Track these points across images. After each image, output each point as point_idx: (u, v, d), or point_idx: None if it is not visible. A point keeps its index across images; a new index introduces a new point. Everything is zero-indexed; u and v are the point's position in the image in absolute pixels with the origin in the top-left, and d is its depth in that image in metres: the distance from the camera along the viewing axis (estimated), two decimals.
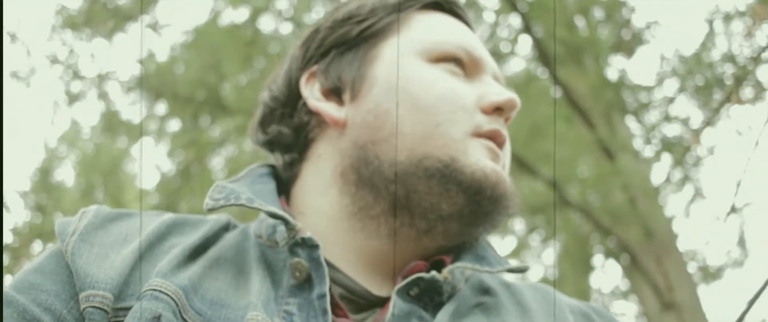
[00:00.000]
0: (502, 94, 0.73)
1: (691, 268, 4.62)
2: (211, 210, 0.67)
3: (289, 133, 0.77)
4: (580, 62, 3.92)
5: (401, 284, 0.67)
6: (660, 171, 4.27)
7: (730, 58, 3.13)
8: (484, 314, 0.71)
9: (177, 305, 0.60)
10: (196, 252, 0.68)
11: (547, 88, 4.12)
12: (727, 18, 3.15)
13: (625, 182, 3.75)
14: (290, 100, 0.78)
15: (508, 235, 5.62)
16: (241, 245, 0.71)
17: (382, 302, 0.69)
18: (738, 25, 3.09)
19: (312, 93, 0.76)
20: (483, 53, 0.77)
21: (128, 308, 0.60)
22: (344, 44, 0.77)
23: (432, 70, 0.73)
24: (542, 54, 3.73)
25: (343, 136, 0.73)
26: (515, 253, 5.73)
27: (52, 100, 4.55)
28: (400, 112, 0.70)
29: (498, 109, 0.73)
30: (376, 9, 0.77)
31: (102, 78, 4.31)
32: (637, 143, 4.21)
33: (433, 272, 0.68)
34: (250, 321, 0.60)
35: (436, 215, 0.70)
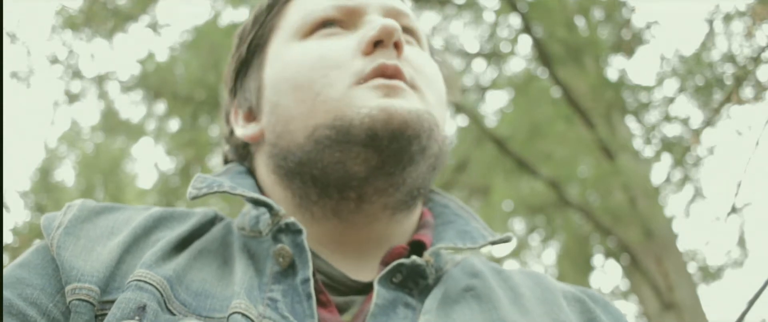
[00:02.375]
0: (375, 27, 0.69)
1: (691, 268, 4.62)
2: (194, 198, 0.67)
3: (235, 154, 0.81)
4: (580, 62, 3.91)
5: (382, 272, 0.66)
6: (660, 171, 4.27)
7: (730, 58, 3.13)
8: (475, 300, 0.70)
9: (162, 296, 0.60)
10: (182, 244, 0.68)
11: (547, 88, 4.12)
12: (727, 18, 3.14)
13: (625, 182, 3.74)
14: (230, 133, 0.82)
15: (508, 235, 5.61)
16: (225, 238, 0.71)
17: (365, 288, 0.68)
18: (738, 25, 3.09)
19: (237, 123, 0.79)
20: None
21: (114, 301, 0.60)
22: (242, 66, 0.80)
23: (304, 45, 0.73)
24: (542, 54, 3.73)
25: (265, 144, 0.75)
26: (515, 253, 5.73)
27: (52, 100, 4.55)
28: (286, 101, 0.70)
29: (379, 43, 0.70)
30: (257, 17, 0.79)
31: (102, 78, 4.31)
32: (637, 143, 4.21)
33: (414, 257, 0.67)
34: (234, 309, 0.60)
35: (355, 179, 0.68)
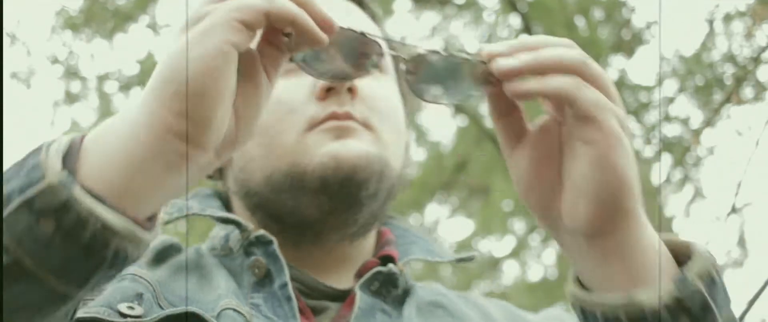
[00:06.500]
0: None
1: None
2: (167, 223, 0.69)
3: (216, 172, 0.80)
4: None
5: (363, 278, 0.69)
6: (660, 171, 4.26)
7: (730, 58, 3.13)
8: (447, 315, 0.73)
9: (154, 291, 0.63)
10: (158, 258, 0.70)
11: None
12: (727, 18, 3.14)
13: None
14: None
15: (508, 235, 5.62)
16: (198, 260, 0.73)
17: (338, 295, 0.71)
18: (738, 26, 3.09)
19: None
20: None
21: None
22: None
23: None
24: None
25: (233, 168, 0.76)
26: (515, 253, 5.73)
27: (52, 100, 4.54)
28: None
29: (331, 90, 0.70)
30: None
31: (102, 78, 4.31)
32: (637, 143, 4.21)
33: (390, 265, 0.71)
34: (224, 306, 0.63)
35: (310, 221, 0.71)
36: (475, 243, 5.60)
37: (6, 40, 4.05)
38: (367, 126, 0.70)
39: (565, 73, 0.53)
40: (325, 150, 0.68)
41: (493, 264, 5.77)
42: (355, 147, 0.68)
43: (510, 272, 6.14)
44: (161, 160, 0.49)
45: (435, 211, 5.71)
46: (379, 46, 0.57)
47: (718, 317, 0.52)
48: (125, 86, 4.34)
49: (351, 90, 0.70)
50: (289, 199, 0.69)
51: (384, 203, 0.73)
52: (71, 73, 4.31)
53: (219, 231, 0.76)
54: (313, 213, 0.70)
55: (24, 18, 4.20)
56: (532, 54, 0.53)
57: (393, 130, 0.73)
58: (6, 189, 0.46)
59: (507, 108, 0.56)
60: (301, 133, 0.69)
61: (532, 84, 0.53)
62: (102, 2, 4.21)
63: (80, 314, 0.58)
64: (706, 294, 0.52)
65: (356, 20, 0.76)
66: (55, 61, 4.26)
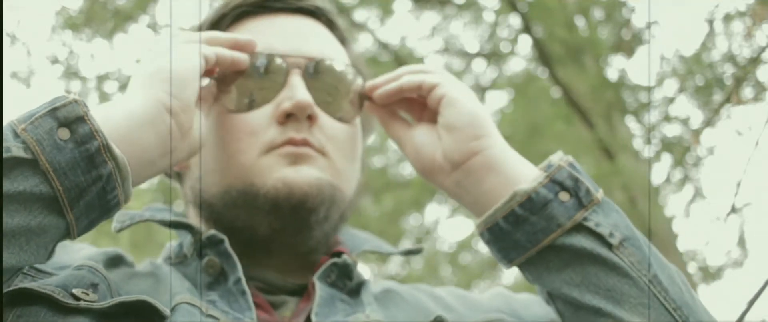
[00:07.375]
0: (291, 98, 0.72)
1: (691, 268, 4.62)
2: (120, 231, 0.72)
3: (175, 175, 0.84)
4: (580, 62, 3.91)
5: (321, 270, 0.72)
6: (660, 171, 4.27)
7: (730, 58, 3.13)
8: (402, 300, 0.77)
9: (109, 286, 0.64)
10: (112, 263, 0.71)
11: (547, 88, 4.12)
12: (727, 18, 3.14)
13: (625, 182, 3.74)
14: None
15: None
16: (152, 271, 0.74)
17: (296, 289, 0.74)
18: (738, 26, 3.09)
19: None
20: (288, 56, 0.75)
21: (44, 271, 0.63)
22: None
23: None
24: (542, 54, 3.73)
25: (190, 176, 0.79)
26: None
27: None
28: (205, 152, 0.73)
29: (291, 115, 0.72)
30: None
31: (102, 78, 4.31)
32: (637, 143, 4.21)
33: (345, 256, 0.74)
34: (178, 301, 0.64)
35: (261, 239, 0.73)
36: (475, 243, 5.60)
37: (6, 40, 4.06)
38: (322, 153, 0.73)
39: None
40: (280, 175, 0.70)
41: (493, 264, 5.77)
42: (307, 174, 0.71)
43: (510, 271, 6.13)
44: (153, 129, 0.62)
45: (435, 211, 5.72)
46: (285, 65, 0.73)
47: (589, 185, 0.66)
48: (125, 86, 4.33)
49: (311, 117, 0.73)
50: (243, 215, 0.72)
51: (336, 226, 0.76)
52: (71, 73, 4.31)
53: (173, 242, 0.78)
54: (265, 231, 0.72)
55: (24, 18, 4.20)
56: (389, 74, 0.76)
57: (348, 157, 0.77)
58: (28, 112, 0.58)
59: (390, 115, 0.77)
60: (259, 155, 0.72)
61: (391, 85, 0.75)
62: (102, 2, 4.21)
63: (34, 286, 0.59)
64: (570, 170, 0.66)
65: (320, 42, 0.79)
66: (55, 61, 4.26)
